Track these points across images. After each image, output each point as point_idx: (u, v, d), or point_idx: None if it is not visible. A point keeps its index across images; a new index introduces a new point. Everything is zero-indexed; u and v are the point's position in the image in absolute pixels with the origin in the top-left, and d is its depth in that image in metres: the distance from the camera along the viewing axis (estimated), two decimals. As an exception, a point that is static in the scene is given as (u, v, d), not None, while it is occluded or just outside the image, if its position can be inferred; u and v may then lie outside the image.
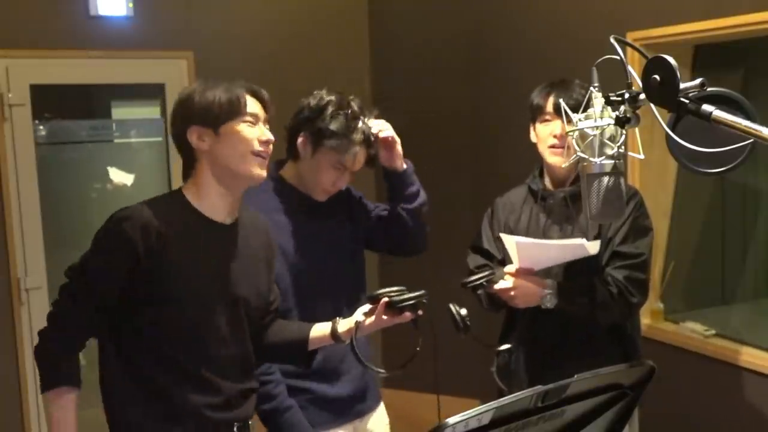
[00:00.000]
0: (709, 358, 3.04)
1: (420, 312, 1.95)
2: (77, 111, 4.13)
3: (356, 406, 2.35)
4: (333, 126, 2.19)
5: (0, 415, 3.68)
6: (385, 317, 1.96)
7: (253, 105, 1.88)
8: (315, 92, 2.28)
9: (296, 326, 2.12)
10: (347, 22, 4.48)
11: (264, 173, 1.88)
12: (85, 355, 1.91)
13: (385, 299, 1.94)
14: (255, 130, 1.86)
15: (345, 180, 2.29)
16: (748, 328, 3.21)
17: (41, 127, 3.88)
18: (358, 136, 2.21)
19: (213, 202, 1.88)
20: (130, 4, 3.84)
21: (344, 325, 2.02)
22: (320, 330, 2.06)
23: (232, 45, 4.12)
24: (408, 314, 1.95)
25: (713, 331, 3.10)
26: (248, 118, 1.86)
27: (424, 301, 1.95)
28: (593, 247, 2.23)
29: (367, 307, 1.99)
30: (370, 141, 2.26)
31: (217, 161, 1.85)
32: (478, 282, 2.28)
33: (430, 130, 4.33)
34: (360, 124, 2.23)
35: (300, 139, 2.24)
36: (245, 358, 1.97)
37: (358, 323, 1.97)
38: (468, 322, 2.25)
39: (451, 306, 2.26)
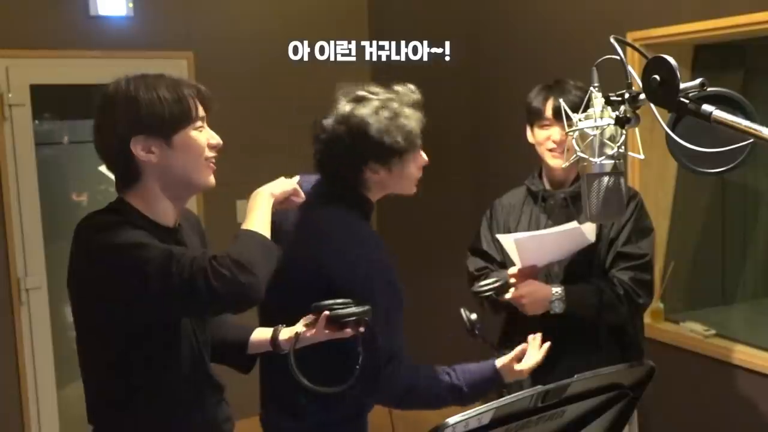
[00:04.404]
0: (709, 358, 3.04)
1: (362, 329, 1.82)
2: (77, 111, 4.13)
3: None
4: (397, 136, 1.91)
5: (0, 415, 3.68)
6: (326, 331, 1.81)
7: (199, 107, 1.70)
8: (328, 122, 1.95)
9: (237, 328, 1.99)
10: (347, 23, 4.48)
11: (214, 180, 1.74)
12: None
13: (326, 313, 1.80)
14: (204, 135, 1.71)
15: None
16: (748, 328, 3.21)
17: (41, 127, 3.89)
18: (413, 117, 1.96)
19: (163, 210, 1.72)
20: (130, 4, 3.85)
21: (286, 333, 1.87)
22: (261, 335, 1.93)
23: (232, 45, 4.12)
24: (348, 330, 1.81)
25: (713, 331, 3.10)
26: (198, 123, 1.69)
27: (366, 318, 1.81)
28: (589, 232, 2.23)
29: (310, 317, 1.84)
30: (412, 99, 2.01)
31: (168, 173, 1.68)
32: (487, 292, 2.28)
33: (429, 130, 4.33)
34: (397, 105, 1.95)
35: (371, 175, 1.96)
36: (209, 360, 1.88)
37: (298, 334, 1.84)
38: (478, 327, 2.25)
39: (462, 311, 2.26)
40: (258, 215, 1.74)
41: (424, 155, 2.02)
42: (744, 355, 2.93)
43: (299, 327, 1.84)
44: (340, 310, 1.81)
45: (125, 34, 3.88)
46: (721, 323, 3.18)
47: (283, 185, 1.84)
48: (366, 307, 1.82)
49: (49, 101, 3.91)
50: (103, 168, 4.23)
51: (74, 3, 3.75)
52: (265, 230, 1.71)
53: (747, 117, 1.32)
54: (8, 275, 3.65)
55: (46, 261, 3.74)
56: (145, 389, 1.72)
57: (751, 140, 1.30)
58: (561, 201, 2.41)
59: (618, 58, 1.46)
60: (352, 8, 4.50)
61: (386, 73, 4.50)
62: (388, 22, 4.52)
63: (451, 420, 1.26)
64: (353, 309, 1.81)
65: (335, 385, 1.83)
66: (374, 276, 1.92)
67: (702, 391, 3.11)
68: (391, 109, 1.93)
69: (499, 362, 2.01)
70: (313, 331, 1.82)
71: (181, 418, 1.76)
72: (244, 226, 1.71)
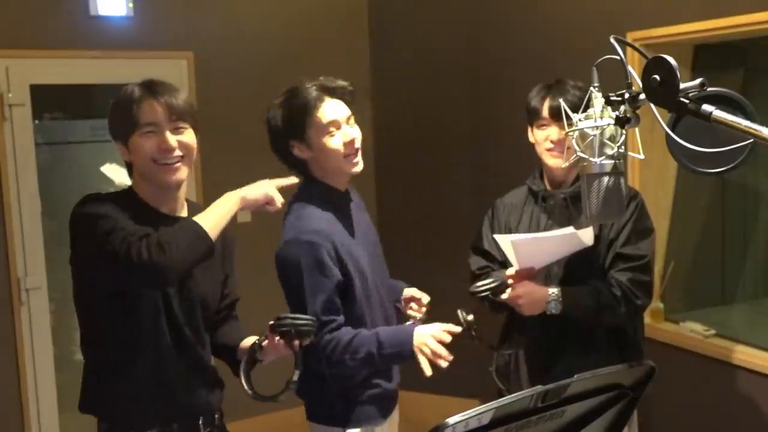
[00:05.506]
0: (709, 358, 3.04)
1: (296, 342, 1.89)
2: (77, 111, 4.13)
3: (395, 397, 2.38)
4: (292, 112, 2.14)
5: (0, 415, 3.68)
6: (276, 342, 1.91)
7: (151, 112, 1.85)
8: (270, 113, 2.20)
9: (236, 332, 2.12)
10: (347, 23, 4.48)
11: (176, 176, 1.88)
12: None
13: (271, 323, 1.89)
14: (155, 140, 1.85)
15: (352, 137, 2.19)
16: (748, 328, 3.21)
17: (41, 127, 3.89)
18: (313, 93, 2.14)
19: (155, 199, 1.92)
20: (130, 4, 3.84)
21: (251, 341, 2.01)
22: (248, 342, 2.04)
23: (232, 45, 4.12)
24: (282, 342, 1.89)
25: (713, 331, 3.10)
26: (146, 129, 1.85)
27: (293, 332, 1.87)
28: (587, 236, 2.23)
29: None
30: (326, 86, 2.18)
31: (137, 169, 1.91)
32: (484, 292, 2.28)
33: (430, 130, 4.33)
34: (305, 85, 2.16)
35: (295, 150, 2.19)
36: (201, 347, 1.99)
37: (257, 344, 1.94)
38: (475, 328, 2.25)
39: (459, 312, 2.27)
40: (214, 210, 1.85)
41: (323, 118, 2.14)
42: (744, 355, 2.93)
43: (261, 337, 1.95)
44: (281, 321, 1.87)
45: (125, 34, 3.88)
46: (721, 323, 3.18)
47: (256, 193, 1.92)
48: (304, 321, 1.88)
49: (49, 101, 3.91)
50: (104, 168, 4.23)
51: (74, 3, 3.75)
52: (211, 225, 1.81)
53: (747, 117, 1.32)
54: (8, 275, 3.65)
55: (46, 261, 3.74)
56: (110, 359, 1.90)
57: (751, 140, 1.30)
58: (561, 201, 2.40)
59: (618, 58, 1.46)
60: (352, 8, 4.50)
61: (386, 73, 4.52)
62: (388, 22, 4.52)
63: (451, 420, 1.26)
64: (293, 321, 1.87)
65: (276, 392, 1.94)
66: (294, 252, 2.10)
67: (702, 391, 3.11)
68: (292, 90, 2.17)
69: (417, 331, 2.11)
70: (266, 342, 1.93)
71: (141, 391, 1.89)
72: (195, 217, 1.84)
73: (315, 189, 2.22)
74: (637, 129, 1.47)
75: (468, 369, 3.79)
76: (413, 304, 2.42)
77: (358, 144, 2.20)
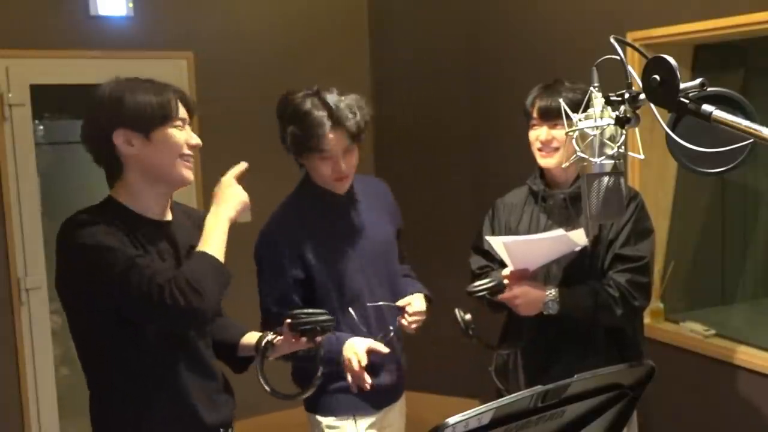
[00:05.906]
0: (709, 358, 3.04)
1: (318, 339, 1.90)
2: (77, 111, 4.13)
3: (389, 396, 2.40)
4: (296, 134, 2.20)
5: (0, 415, 3.68)
6: (293, 340, 1.91)
7: (181, 109, 1.84)
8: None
9: (234, 328, 2.08)
10: (347, 23, 4.49)
11: (192, 176, 1.87)
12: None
13: (288, 320, 1.89)
14: (184, 134, 1.84)
15: (345, 166, 2.24)
16: (748, 328, 3.21)
17: (41, 127, 3.88)
18: (318, 125, 2.17)
19: (148, 203, 1.85)
20: (130, 4, 3.85)
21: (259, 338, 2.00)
22: (251, 338, 2.02)
23: (232, 45, 4.12)
24: (303, 339, 1.89)
25: (713, 331, 3.10)
26: (178, 123, 1.83)
27: (318, 328, 1.87)
28: (579, 237, 2.23)
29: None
30: (336, 117, 2.19)
31: (146, 165, 1.81)
32: (481, 292, 2.29)
33: (430, 130, 4.33)
34: (309, 109, 2.18)
35: (302, 161, 2.30)
36: (210, 354, 1.96)
37: (269, 342, 1.93)
38: (473, 327, 2.26)
39: (457, 311, 2.27)
40: (214, 239, 1.83)
41: (321, 147, 2.20)
42: (744, 355, 2.93)
43: (270, 335, 1.95)
44: (300, 319, 1.87)
45: (125, 34, 3.88)
46: (721, 323, 3.18)
47: (235, 207, 1.91)
48: (324, 318, 1.88)
49: (49, 101, 3.91)
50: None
51: (74, 3, 3.75)
52: (220, 253, 1.81)
53: (747, 117, 1.32)
54: (8, 275, 3.65)
55: (46, 261, 3.74)
56: (114, 379, 1.82)
57: (751, 140, 1.30)
58: (560, 201, 2.40)
59: (618, 58, 1.46)
60: (352, 8, 4.50)
61: (386, 73, 4.52)
62: (388, 22, 4.52)
63: (451, 420, 1.26)
64: (312, 318, 1.87)
65: (298, 391, 1.98)
66: (259, 247, 2.30)
67: (702, 391, 3.11)
68: (300, 112, 2.21)
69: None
70: (281, 338, 1.93)
71: (161, 413, 1.83)
72: (201, 248, 1.80)
73: (309, 189, 2.32)
74: (637, 129, 1.47)
75: (468, 369, 3.80)
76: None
77: (346, 174, 2.27)
